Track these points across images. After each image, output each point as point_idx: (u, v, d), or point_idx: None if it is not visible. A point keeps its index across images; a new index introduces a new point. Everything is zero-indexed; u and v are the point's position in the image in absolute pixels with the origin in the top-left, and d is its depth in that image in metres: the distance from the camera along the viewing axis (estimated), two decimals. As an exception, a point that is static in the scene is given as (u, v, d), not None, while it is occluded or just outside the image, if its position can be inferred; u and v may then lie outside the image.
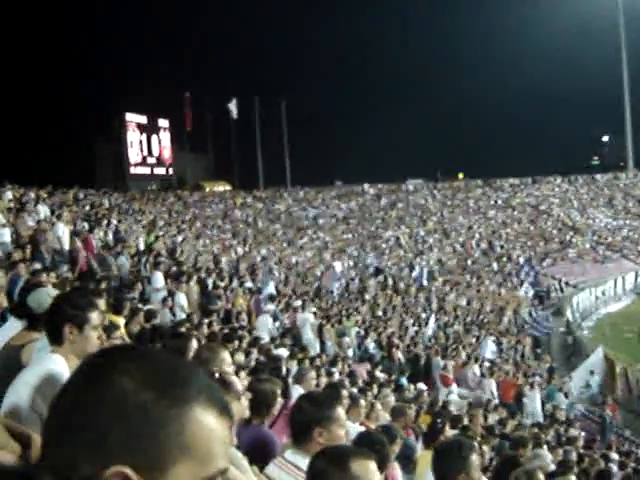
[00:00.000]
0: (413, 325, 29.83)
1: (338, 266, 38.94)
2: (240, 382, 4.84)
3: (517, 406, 22.56)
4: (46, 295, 5.34)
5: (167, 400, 1.09)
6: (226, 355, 5.44)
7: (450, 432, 9.46)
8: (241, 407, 4.68)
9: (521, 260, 51.91)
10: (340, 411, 4.19)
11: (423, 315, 32.87)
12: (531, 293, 46.40)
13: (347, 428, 4.24)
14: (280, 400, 6.29)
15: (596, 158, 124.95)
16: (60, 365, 3.96)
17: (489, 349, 29.96)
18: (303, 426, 4.13)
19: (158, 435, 1.07)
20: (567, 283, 49.29)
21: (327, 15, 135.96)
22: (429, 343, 27.32)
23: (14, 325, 5.64)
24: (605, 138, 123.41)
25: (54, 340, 4.14)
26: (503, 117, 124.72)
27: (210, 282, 22.03)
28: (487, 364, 25.78)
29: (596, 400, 28.44)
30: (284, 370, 11.60)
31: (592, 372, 30.10)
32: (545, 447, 12.94)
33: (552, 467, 9.52)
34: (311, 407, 4.16)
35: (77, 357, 4.11)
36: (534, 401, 23.08)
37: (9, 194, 25.53)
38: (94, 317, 4.20)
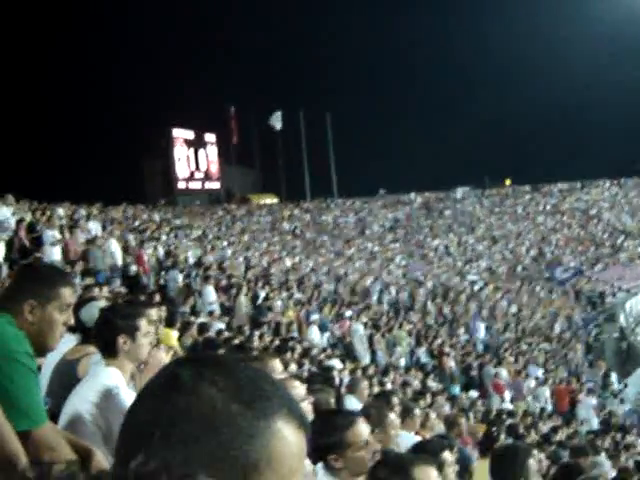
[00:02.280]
0: (465, 333, 29.65)
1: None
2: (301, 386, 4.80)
3: (572, 414, 22.32)
4: (97, 309, 5.41)
5: (253, 412, 1.08)
6: (276, 364, 5.44)
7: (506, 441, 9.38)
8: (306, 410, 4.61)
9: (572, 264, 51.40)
10: (356, 434, 3.88)
11: (473, 324, 32.63)
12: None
13: (373, 448, 3.94)
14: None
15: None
16: (115, 378, 4.01)
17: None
18: (317, 451, 3.83)
19: (246, 447, 1.06)
20: (620, 288, 48.60)
21: (370, 26, 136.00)
22: (481, 351, 27.11)
23: (68, 340, 5.71)
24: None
25: (108, 353, 4.19)
26: (549, 122, 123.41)
27: (262, 294, 22.13)
28: (540, 371, 25.52)
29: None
30: (337, 380, 11.61)
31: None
32: (603, 454, 12.77)
33: (612, 475, 9.39)
34: (322, 431, 3.83)
35: (132, 367, 4.17)
36: (588, 408, 22.79)
37: (61, 211, 25.90)
38: (144, 324, 4.26)
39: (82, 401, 3.89)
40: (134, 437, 1.10)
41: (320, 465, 4.01)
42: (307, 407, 4.60)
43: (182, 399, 1.08)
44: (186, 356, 1.32)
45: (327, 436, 3.86)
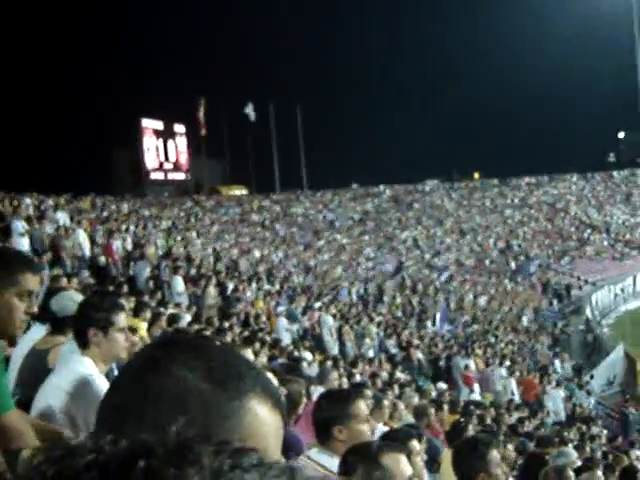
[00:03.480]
0: (432, 325, 29.85)
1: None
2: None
3: (539, 405, 22.53)
4: (69, 299, 5.38)
5: (225, 392, 1.08)
6: (247, 354, 5.45)
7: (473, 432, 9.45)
8: None
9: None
10: (360, 407, 4.14)
11: (438, 315, 32.78)
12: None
13: (372, 424, 4.18)
14: (304, 400, 6.32)
15: (612, 155, 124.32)
16: (90, 368, 3.99)
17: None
18: (323, 424, 4.11)
19: (217, 427, 1.06)
20: (586, 281, 49.09)
21: (342, 18, 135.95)
22: (448, 343, 27.27)
23: (38, 330, 5.68)
24: (621, 134, 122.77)
25: (81, 344, 4.17)
26: (517, 115, 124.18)
27: (230, 285, 22.10)
28: (507, 363, 25.73)
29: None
30: (306, 371, 11.63)
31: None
32: (570, 445, 12.92)
33: (578, 464, 9.49)
34: (328, 405, 4.14)
35: (104, 361, 4.13)
36: (556, 399, 23.01)
37: (28, 201, 25.68)
38: (119, 319, 4.21)
39: (55, 390, 3.86)
40: (108, 419, 1.11)
41: (315, 449, 4.18)
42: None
43: (155, 380, 1.08)
44: (160, 339, 1.32)
45: (333, 409, 4.09)
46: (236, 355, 1.18)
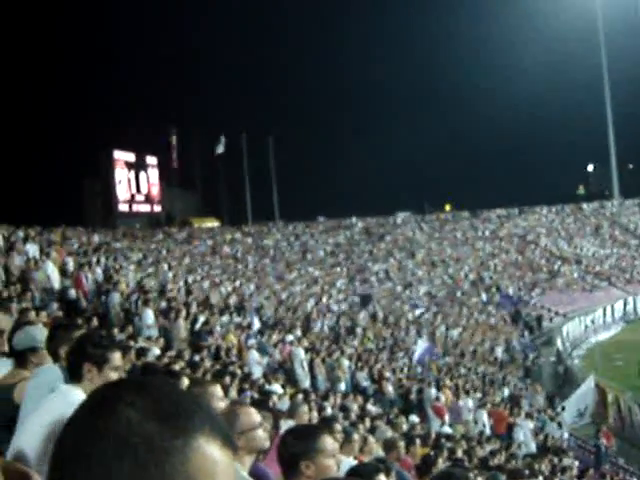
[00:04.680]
0: (403, 358, 29.81)
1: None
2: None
3: (509, 437, 22.52)
4: (29, 333, 5.34)
5: (171, 431, 1.09)
6: (216, 390, 5.42)
7: (443, 465, 9.44)
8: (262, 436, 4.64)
9: (510, 291, 52.09)
10: (326, 442, 4.11)
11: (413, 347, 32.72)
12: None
13: (338, 458, 4.17)
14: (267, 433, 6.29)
15: (581, 187, 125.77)
16: (77, 402, 3.94)
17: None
18: (289, 460, 4.07)
19: (163, 465, 1.07)
20: (557, 312, 49.38)
21: (311, 51, 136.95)
22: (420, 375, 27.25)
23: (3, 364, 5.63)
24: (590, 167, 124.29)
25: (73, 377, 4.15)
26: (488, 148, 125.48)
27: (201, 318, 21.98)
28: (479, 395, 25.75)
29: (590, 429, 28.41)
30: (275, 404, 11.57)
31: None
32: (540, 478, 12.92)
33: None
34: (295, 440, 4.11)
35: None
36: (526, 431, 23.02)
37: (-1, 233, 25.49)
38: (115, 358, 4.21)
39: (36, 430, 3.79)
40: (59, 461, 1.12)
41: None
42: (263, 434, 4.63)
43: (101, 420, 1.10)
44: (111, 381, 1.34)
45: (299, 444, 4.06)
46: (185, 394, 1.19)
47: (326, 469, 4.02)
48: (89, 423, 1.11)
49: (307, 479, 3.93)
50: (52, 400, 4.00)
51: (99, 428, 1.09)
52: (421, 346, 30.92)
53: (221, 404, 5.32)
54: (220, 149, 69.99)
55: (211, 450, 1.11)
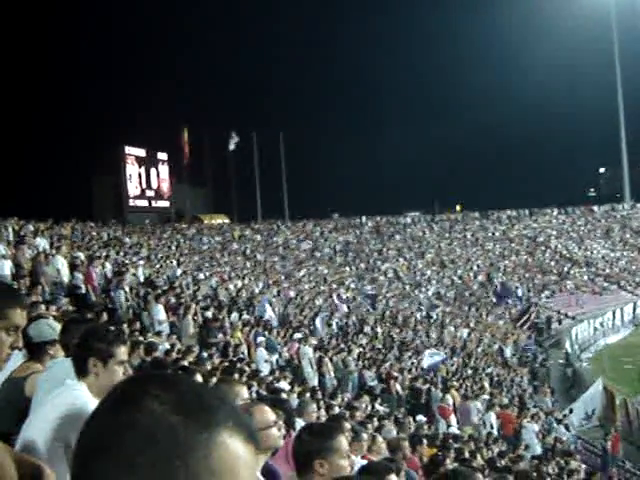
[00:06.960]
0: (410, 358, 29.75)
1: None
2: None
3: (517, 439, 22.48)
4: (46, 326, 5.35)
5: (195, 424, 1.09)
6: (242, 390, 5.46)
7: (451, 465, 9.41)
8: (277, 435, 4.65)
9: (519, 292, 51.95)
10: (342, 442, 4.12)
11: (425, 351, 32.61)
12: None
13: (352, 459, 4.16)
14: (283, 431, 6.27)
15: (593, 190, 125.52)
16: (85, 395, 3.94)
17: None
18: (303, 458, 4.07)
19: (186, 459, 1.07)
20: (566, 315, 49.26)
21: (325, 48, 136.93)
22: (428, 376, 27.20)
23: (15, 357, 5.63)
24: (602, 170, 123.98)
25: (79, 372, 4.14)
26: (500, 150, 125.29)
27: (209, 315, 22.00)
28: (486, 397, 25.69)
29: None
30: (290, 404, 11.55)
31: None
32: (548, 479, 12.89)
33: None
34: (310, 438, 4.11)
35: (98, 392, 4.07)
36: (531, 433, 22.97)
37: (9, 226, 25.56)
38: (120, 352, 4.19)
39: (44, 421, 3.79)
40: (83, 453, 1.12)
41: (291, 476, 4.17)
42: (277, 432, 4.62)
43: (126, 414, 1.10)
44: (135, 374, 1.35)
45: (315, 442, 4.05)
46: (209, 389, 1.20)
47: (340, 469, 4.01)
48: (113, 415, 1.11)
49: (320, 477, 3.93)
50: (57, 396, 4.00)
51: (123, 420, 1.10)
52: (434, 357, 30.75)
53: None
54: (231, 146, 70.08)
55: (234, 445, 1.12)
